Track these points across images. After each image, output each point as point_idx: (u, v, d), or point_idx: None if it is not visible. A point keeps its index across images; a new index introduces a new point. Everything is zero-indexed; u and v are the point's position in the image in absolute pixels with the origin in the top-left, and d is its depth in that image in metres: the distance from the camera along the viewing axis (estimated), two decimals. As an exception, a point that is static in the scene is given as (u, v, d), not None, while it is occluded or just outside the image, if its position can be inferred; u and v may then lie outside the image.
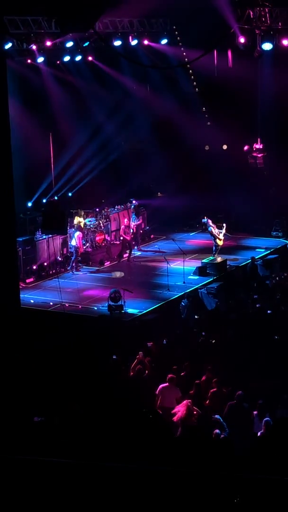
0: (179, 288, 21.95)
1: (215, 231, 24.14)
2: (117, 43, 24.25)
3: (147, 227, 28.62)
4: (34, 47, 22.48)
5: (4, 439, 9.44)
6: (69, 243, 24.50)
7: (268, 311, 18.80)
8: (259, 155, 28.25)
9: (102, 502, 7.39)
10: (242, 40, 23.08)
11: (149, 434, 10.64)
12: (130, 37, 24.91)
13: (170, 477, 7.65)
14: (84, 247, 25.00)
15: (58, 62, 25.02)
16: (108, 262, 25.39)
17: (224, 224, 24.74)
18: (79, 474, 7.64)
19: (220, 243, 24.27)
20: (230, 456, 9.57)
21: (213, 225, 24.26)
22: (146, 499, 7.30)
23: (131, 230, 25.75)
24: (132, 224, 25.96)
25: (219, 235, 24.15)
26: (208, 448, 10.02)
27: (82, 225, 25.33)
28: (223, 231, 24.45)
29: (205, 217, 24.40)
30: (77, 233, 24.08)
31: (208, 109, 29.78)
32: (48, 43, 22.51)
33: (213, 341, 16.85)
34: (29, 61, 23.81)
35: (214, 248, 24.45)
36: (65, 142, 27.19)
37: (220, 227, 24.42)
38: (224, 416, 12.61)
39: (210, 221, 24.28)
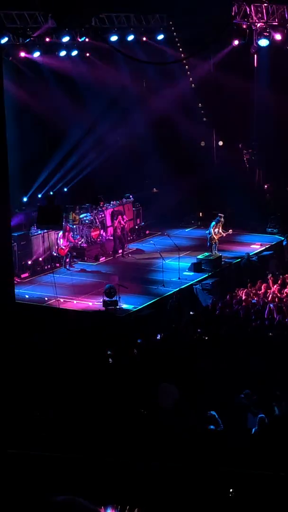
0: (174, 284, 21.96)
1: (216, 230, 24.01)
2: (114, 38, 24.21)
3: (142, 223, 28.59)
4: (31, 40, 22.42)
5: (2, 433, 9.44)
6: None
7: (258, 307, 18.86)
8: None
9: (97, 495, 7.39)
10: (236, 42, 23.16)
11: (142, 430, 10.65)
12: (127, 33, 24.88)
13: (164, 471, 7.65)
14: (80, 243, 24.98)
15: (54, 56, 24.93)
16: (103, 258, 25.37)
17: (230, 230, 24.66)
18: (72, 468, 7.64)
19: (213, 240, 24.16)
20: (223, 451, 9.59)
21: (219, 225, 24.15)
22: (140, 494, 7.31)
23: (122, 226, 25.62)
24: (123, 221, 25.77)
25: (216, 235, 24.03)
26: (202, 443, 10.04)
27: (77, 221, 25.29)
28: (224, 234, 24.36)
29: (219, 215, 24.22)
30: (60, 233, 24.03)
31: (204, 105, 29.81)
32: (45, 38, 22.39)
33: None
34: (24, 55, 23.69)
35: (208, 243, 24.29)
36: (61, 137, 27.12)
37: (225, 229, 24.33)
38: None
39: (222, 221, 24.12)
